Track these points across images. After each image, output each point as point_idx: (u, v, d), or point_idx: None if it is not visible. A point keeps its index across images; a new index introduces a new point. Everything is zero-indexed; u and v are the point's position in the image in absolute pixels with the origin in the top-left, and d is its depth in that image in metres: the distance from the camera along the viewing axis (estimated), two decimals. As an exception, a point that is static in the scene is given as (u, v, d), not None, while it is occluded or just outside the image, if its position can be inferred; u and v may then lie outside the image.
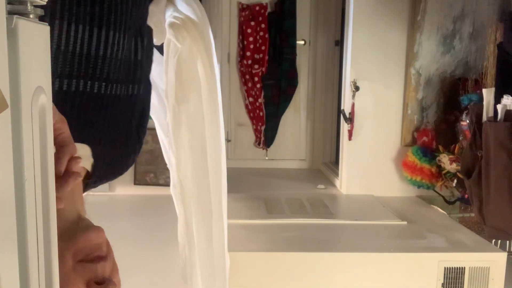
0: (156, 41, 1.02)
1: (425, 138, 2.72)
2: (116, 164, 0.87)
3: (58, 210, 0.65)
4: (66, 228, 0.64)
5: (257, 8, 3.48)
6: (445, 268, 1.95)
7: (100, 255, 0.65)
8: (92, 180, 0.80)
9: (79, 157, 0.56)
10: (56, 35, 0.74)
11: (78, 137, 0.71)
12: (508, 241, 2.21)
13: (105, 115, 0.81)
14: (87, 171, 0.78)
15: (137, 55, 0.89)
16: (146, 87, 0.93)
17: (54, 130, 0.51)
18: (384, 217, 2.40)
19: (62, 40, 0.74)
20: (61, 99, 0.75)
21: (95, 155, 0.79)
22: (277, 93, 3.56)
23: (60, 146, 0.53)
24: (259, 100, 3.57)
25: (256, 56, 3.49)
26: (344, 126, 2.90)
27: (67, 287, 0.59)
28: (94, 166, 0.79)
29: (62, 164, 0.53)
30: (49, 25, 0.70)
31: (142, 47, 0.90)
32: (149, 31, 0.95)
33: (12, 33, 0.36)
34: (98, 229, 0.67)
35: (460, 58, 2.77)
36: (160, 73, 1.12)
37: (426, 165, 2.62)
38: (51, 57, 0.69)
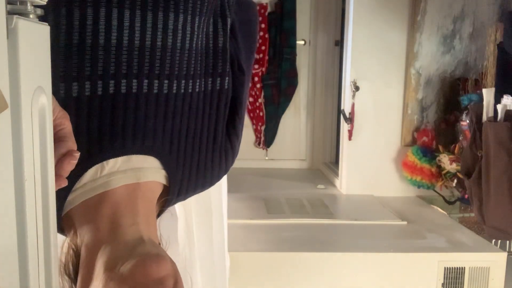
0: None
1: (425, 138, 2.72)
2: (202, 174, 0.73)
3: (114, 222, 0.56)
4: (124, 252, 0.54)
5: (257, 8, 3.48)
6: (445, 268, 1.95)
7: None
8: (172, 195, 0.68)
9: (76, 152, 0.48)
10: (103, 25, 0.59)
11: (141, 148, 0.63)
12: (508, 241, 2.21)
13: (173, 119, 0.66)
14: (164, 185, 0.67)
15: (218, 41, 0.71)
16: (237, 79, 0.75)
17: (55, 126, 0.47)
18: (384, 217, 2.40)
19: (109, 31, 0.60)
20: (112, 103, 0.61)
21: (169, 166, 0.66)
22: (277, 93, 3.56)
23: (58, 142, 0.48)
24: (259, 100, 3.57)
25: (256, 56, 3.49)
26: (344, 126, 2.90)
27: None
28: (171, 179, 0.67)
29: (56, 159, 0.47)
30: (89, 14, 0.58)
31: (225, 30, 0.72)
32: (237, 8, 0.75)
33: (12, 33, 0.36)
34: (162, 258, 0.54)
35: (460, 58, 2.77)
36: None
37: (426, 165, 2.62)
38: (96, 54, 0.59)
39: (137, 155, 0.63)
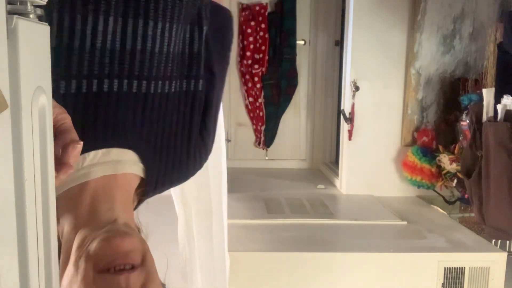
0: None
1: (425, 138, 2.73)
2: (178, 169, 0.77)
3: (91, 209, 0.61)
4: (94, 232, 0.58)
5: (257, 8, 3.48)
6: (445, 268, 1.95)
7: (128, 264, 0.56)
8: (149, 187, 0.72)
9: (78, 142, 0.52)
10: (89, 30, 0.65)
11: (120, 142, 0.68)
12: (508, 241, 2.21)
13: (151, 116, 0.72)
14: (141, 178, 0.71)
15: (193, 46, 0.77)
16: (209, 81, 0.80)
17: (57, 121, 0.50)
18: (384, 217, 2.40)
19: (96, 36, 0.66)
20: (95, 101, 0.67)
21: (147, 160, 0.71)
22: (277, 93, 3.56)
23: (61, 134, 0.51)
24: (259, 100, 3.57)
25: (256, 56, 3.49)
26: (344, 126, 2.90)
27: None
28: (148, 171, 0.71)
29: (58, 149, 0.50)
30: (78, 19, 0.64)
31: (200, 37, 0.78)
32: (211, 16, 0.81)
33: (12, 33, 0.36)
34: (128, 235, 0.58)
35: (460, 58, 2.77)
36: None
37: (426, 165, 2.62)
38: (83, 56, 0.65)
39: (116, 149, 0.68)
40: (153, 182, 0.73)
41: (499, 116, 2.01)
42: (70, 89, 0.66)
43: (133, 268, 0.56)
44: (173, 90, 0.75)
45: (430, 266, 1.96)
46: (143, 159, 0.70)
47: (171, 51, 0.73)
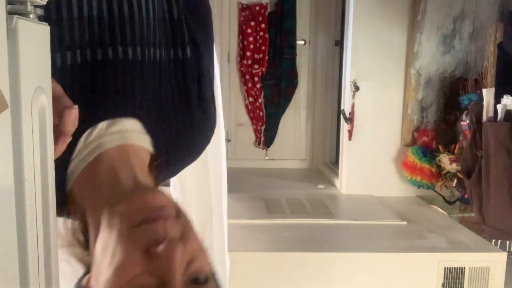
0: None
1: (425, 138, 2.73)
2: (184, 141, 0.75)
3: (112, 178, 0.59)
4: (118, 195, 0.56)
5: (257, 8, 3.48)
6: (445, 268, 1.95)
7: (163, 215, 0.52)
8: (161, 164, 0.68)
9: (72, 107, 0.50)
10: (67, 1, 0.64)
11: (124, 111, 0.66)
12: (508, 241, 2.21)
13: (148, 84, 0.70)
14: (151, 155, 0.67)
15: (173, 14, 0.76)
16: (196, 50, 0.78)
17: None
18: (384, 217, 2.40)
19: (82, 5, 0.65)
20: (85, 71, 0.65)
21: (151, 130, 0.68)
22: (277, 93, 3.56)
23: (52, 103, 0.48)
24: (259, 100, 3.57)
25: (256, 56, 3.49)
26: (344, 126, 2.90)
27: (121, 257, 0.50)
28: (155, 143, 0.68)
29: (54, 117, 0.48)
30: None
31: (177, 4, 0.76)
32: None
33: (12, 33, 0.36)
34: (159, 192, 0.56)
35: (460, 58, 2.77)
36: None
37: (426, 165, 2.62)
38: (73, 26, 0.64)
39: (120, 119, 0.65)
40: (164, 156, 0.69)
41: (499, 116, 2.02)
42: (66, 60, 0.64)
43: (167, 217, 0.52)
44: (164, 58, 0.73)
45: (430, 266, 1.96)
46: (148, 129, 0.68)
47: (156, 17, 0.72)
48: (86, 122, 0.61)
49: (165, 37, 0.74)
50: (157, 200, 0.53)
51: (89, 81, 0.65)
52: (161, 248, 0.49)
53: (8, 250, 0.36)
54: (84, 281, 0.54)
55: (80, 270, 0.60)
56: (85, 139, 0.62)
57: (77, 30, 0.65)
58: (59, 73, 0.62)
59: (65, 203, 0.60)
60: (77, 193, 0.61)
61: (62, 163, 0.59)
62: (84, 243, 0.60)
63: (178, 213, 0.54)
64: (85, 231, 0.59)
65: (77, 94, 0.61)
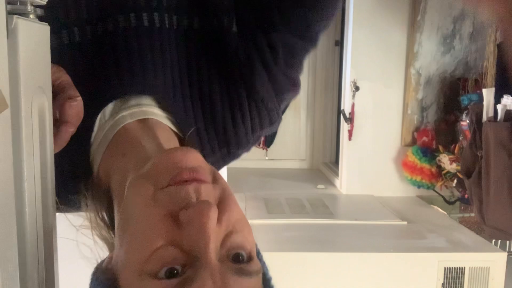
0: None
1: (425, 138, 2.73)
2: (221, 130, 0.64)
3: (136, 150, 0.52)
4: (143, 159, 0.48)
5: None
6: (445, 268, 1.95)
7: (197, 176, 0.43)
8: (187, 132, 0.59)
9: (74, 99, 0.47)
10: None
11: (141, 87, 0.58)
12: (508, 241, 2.21)
13: (174, 55, 0.60)
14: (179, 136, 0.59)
15: None
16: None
17: (52, 80, 0.45)
18: (384, 217, 2.40)
19: None
20: (93, 44, 0.58)
21: (175, 111, 0.59)
22: (277, 93, 3.56)
23: (58, 93, 0.47)
24: (259, 100, 3.57)
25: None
26: (344, 126, 2.90)
27: (142, 226, 0.41)
28: (178, 123, 0.59)
29: (55, 110, 0.46)
30: None
31: None
32: None
33: (12, 33, 0.36)
34: (192, 151, 0.46)
35: (460, 58, 2.77)
36: None
37: (426, 165, 2.62)
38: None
39: (135, 95, 0.59)
40: (192, 138, 0.60)
41: (499, 116, 2.01)
42: (74, 37, 0.58)
43: (200, 180, 0.43)
44: (188, 25, 0.62)
45: (430, 266, 1.96)
46: (171, 111, 0.59)
47: None
48: (97, 102, 0.57)
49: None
50: (191, 160, 0.44)
51: (101, 54, 0.59)
52: (190, 212, 0.40)
53: (8, 250, 0.36)
54: (106, 262, 0.48)
55: (105, 252, 0.55)
56: (99, 121, 0.57)
57: (84, 3, 0.58)
58: (68, 49, 0.58)
59: (91, 189, 0.55)
60: (103, 172, 0.56)
61: (81, 153, 0.56)
62: (109, 223, 0.55)
63: (216, 178, 0.46)
64: (111, 211, 0.54)
65: (89, 69, 0.58)
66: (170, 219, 0.41)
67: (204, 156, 0.53)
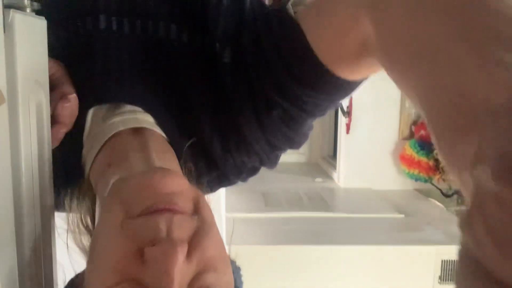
0: None
1: (422, 132, 2.73)
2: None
3: (123, 157, 0.48)
4: (126, 177, 0.44)
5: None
6: (442, 261, 1.96)
7: (172, 206, 0.39)
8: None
9: (67, 98, 0.45)
10: None
11: (130, 96, 0.54)
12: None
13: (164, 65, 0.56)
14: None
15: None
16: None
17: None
18: (382, 210, 2.41)
19: None
20: (91, 42, 0.55)
21: (158, 117, 0.55)
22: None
23: (53, 89, 0.45)
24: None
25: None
26: (342, 120, 2.90)
27: (104, 257, 0.38)
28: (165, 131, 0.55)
29: (52, 107, 0.44)
30: None
31: None
32: None
33: (9, 28, 0.36)
34: (173, 173, 0.41)
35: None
36: None
37: (423, 158, 2.63)
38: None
39: (124, 103, 0.55)
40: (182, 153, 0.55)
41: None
42: (74, 29, 0.55)
43: (176, 210, 0.39)
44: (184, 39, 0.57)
45: (427, 259, 1.97)
46: (158, 121, 0.55)
47: None
48: (87, 103, 0.53)
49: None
50: (169, 185, 0.40)
51: (88, 53, 0.55)
52: (156, 251, 0.35)
53: (7, 250, 0.36)
54: (80, 278, 0.45)
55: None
56: (91, 123, 0.55)
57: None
58: (63, 45, 0.54)
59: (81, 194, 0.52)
60: (92, 178, 0.53)
61: (74, 156, 0.54)
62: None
63: (198, 207, 0.41)
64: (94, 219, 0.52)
65: (81, 70, 0.54)
66: (136, 253, 0.37)
67: (199, 175, 0.52)
